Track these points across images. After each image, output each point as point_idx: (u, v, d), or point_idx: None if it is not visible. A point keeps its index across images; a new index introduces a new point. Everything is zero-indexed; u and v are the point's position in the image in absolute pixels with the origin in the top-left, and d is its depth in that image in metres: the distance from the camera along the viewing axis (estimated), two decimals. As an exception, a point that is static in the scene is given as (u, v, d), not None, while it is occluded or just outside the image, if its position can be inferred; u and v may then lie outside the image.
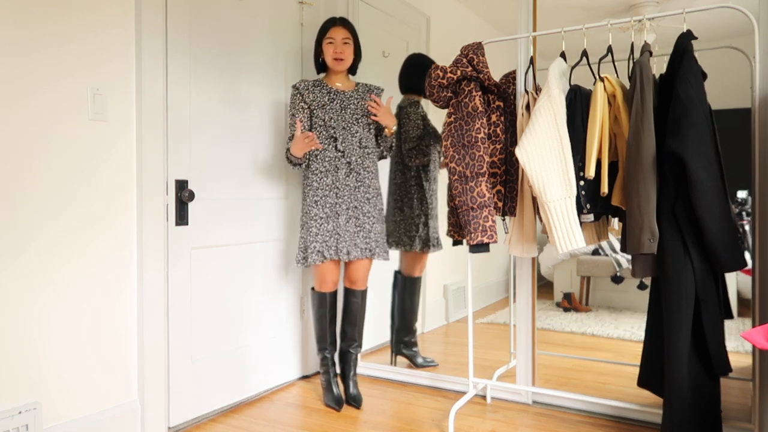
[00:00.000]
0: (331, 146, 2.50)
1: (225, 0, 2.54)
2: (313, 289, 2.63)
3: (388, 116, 2.54)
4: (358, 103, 2.56)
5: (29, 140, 1.87)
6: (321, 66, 2.63)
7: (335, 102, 2.53)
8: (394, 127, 2.59)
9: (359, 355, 2.94)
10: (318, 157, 2.51)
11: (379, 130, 2.65)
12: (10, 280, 1.83)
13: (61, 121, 1.96)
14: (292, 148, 2.43)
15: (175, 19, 2.31)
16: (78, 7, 2.01)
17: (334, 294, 2.61)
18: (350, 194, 2.50)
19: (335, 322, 2.64)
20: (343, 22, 2.55)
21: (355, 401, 2.59)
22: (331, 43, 2.52)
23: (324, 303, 2.57)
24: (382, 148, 2.66)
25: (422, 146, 2.82)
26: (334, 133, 2.50)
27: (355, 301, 2.63)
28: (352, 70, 2.66)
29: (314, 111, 2.52)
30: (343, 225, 2.50)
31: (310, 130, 2.52)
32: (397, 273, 3.09)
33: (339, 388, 2.59)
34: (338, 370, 2.75)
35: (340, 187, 2.49)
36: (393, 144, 2.68)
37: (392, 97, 2.65)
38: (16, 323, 1.84)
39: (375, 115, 2.51)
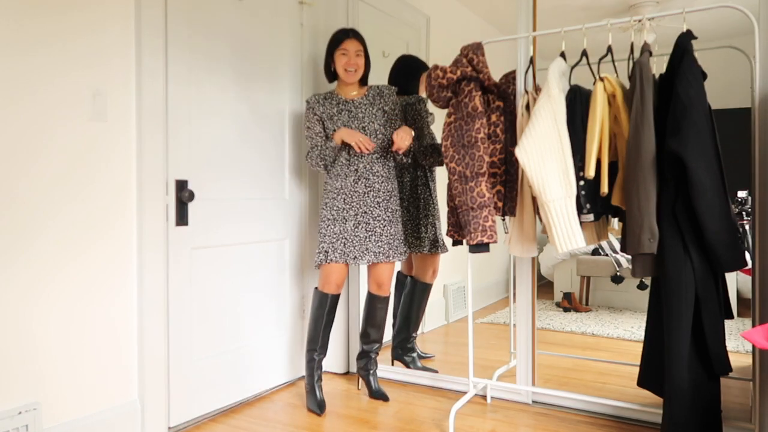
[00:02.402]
0: (342, 152, 2.57)
1: (225, 0, 2.54)
2: (316, 288, 2.62)
3: (406, 130, 2.50)
4: (366, 110, 2.60)
5: (29, 140, 1.87)
6: (333, 75, 2.66)
7: (343, 113, 2.59)
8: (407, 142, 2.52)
9: None
10: (336, 162, 2.58)
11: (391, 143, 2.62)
12: (11, 280, 1.83)
13: (61, 121, 1.96)
14: (340, 134, 2.50)
15: (175, 19, 2.31)
16: (78, 6, 2.01)
17: (336, 297, 2.59)
18: (359, 200, 2.53)
19: (331, 326, 2.63)
20: (356, 34, 2.60)
21: (382, 396, 2.66)
22: (344, 54, 2.56)
23: (324, 303, 2.57)
24: (397, 160, 2.67)
25: (438, 145, 2.77)
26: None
27: (381, 306, 2.65)
28: (363, 80, 2.68)
29: (325, 123, 2.60)
30: (351, 230, 2.52)
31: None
32: (407, 276, 3.03)
33: (322, 393, 2.59)
34: (351, 371, 2.73)
35: (347, 193, 2.53)
36: (411, 149, 2.62)
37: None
38: (16, 323, 1.84)
39: (399, 146, 2.47)
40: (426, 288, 2.98)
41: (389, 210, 2.57)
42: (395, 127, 2.63)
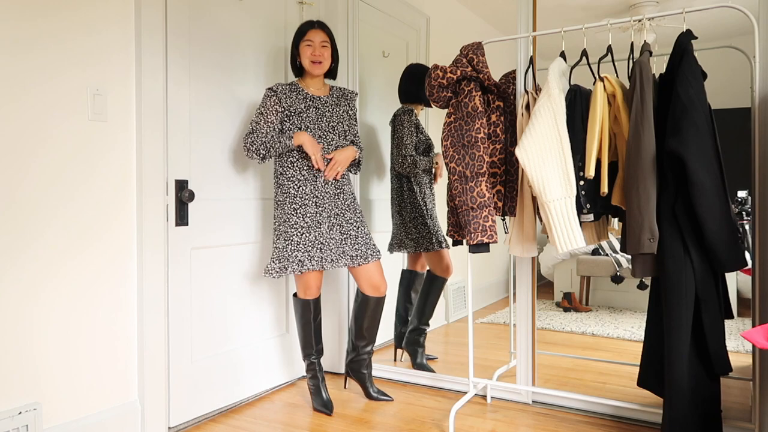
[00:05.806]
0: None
1: (225, 0, 2.54)
2: (295, 295, 2.59)
3: (346, 157, 2.49)
4: (333, 110, 2.54)
5: (29, 140, 1.87)
6: (299, 70, 2.57)
7: (311, 109, 2.49)
8: (358, 154, 2.57)
9: None
10: (295, 164, 2.46)
11: (353, 143, 2.63)
12: (10, 281, 1.83)
13: (61, 120, 1.96)
14: (302, 138, 2.38)
15: (175, 19, 2.31)
16: (78, 5, 2.01)
17: (318, 300, 2.58)
18: (331, 202, 2.48)
19: (320, 327, 2.62)
20: (321, 25, 2.51)
21: (385, 395, 2.68)
22: (309, 45, 2.47)
23: (308, 310, 2.55)
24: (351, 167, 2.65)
25: (415, 156, 2.85)
26: None
27: (381, 306, 2.59)
28: (332, 74, 2.61)
29: (291, 117, 2.46)
30: (326, 233, 2.46)
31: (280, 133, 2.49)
32: (411, 272, 3.11)
33: (327, 393, 2.58)
34: (351, 372, 2.72)
35: (320, 196, 2.46)
36: (360, 162, 2.66)
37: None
38: (16, 324, 1.84)
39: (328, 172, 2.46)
40: (438, 281, 3.05)
41: (357, 212, 2.55)
42: (355, 131, 2.63)
